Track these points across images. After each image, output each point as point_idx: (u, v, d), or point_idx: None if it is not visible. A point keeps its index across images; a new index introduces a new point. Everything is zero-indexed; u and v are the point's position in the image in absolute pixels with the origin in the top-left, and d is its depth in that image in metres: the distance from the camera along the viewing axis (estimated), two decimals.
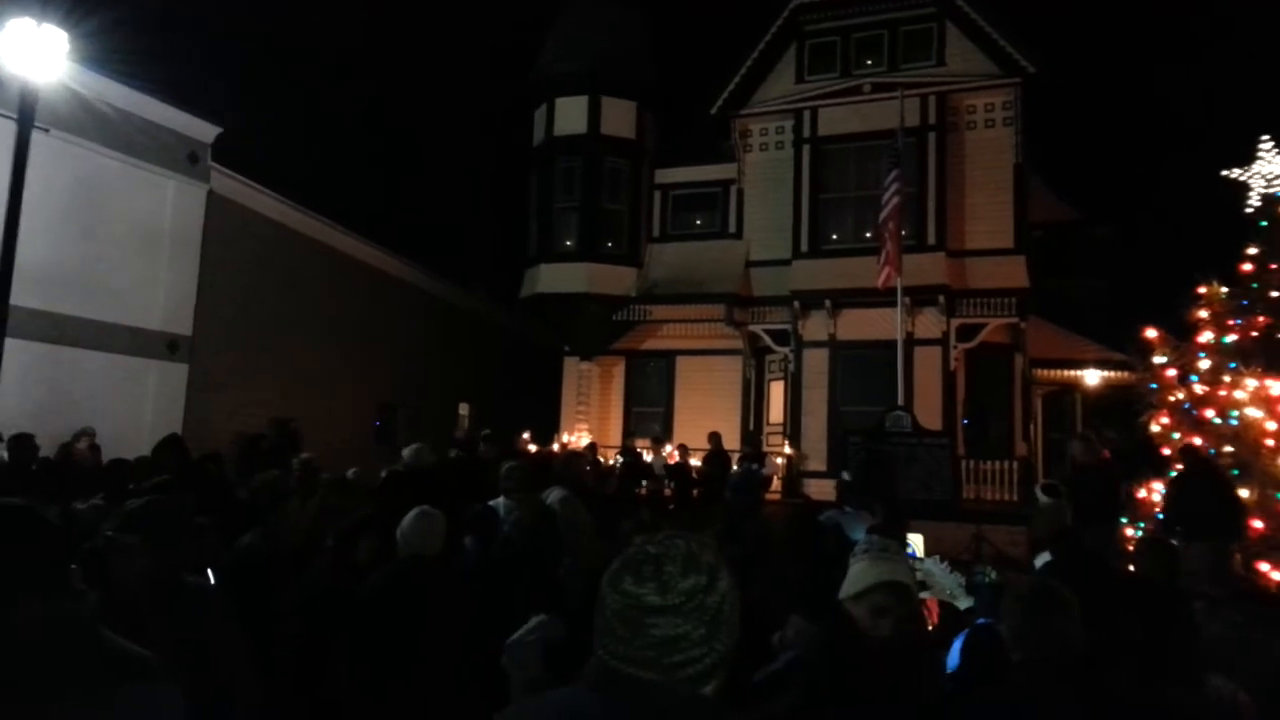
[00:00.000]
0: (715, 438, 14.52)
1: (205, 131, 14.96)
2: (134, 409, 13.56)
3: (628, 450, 15.69)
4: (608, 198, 19.39)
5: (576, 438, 18.12)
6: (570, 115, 19.46)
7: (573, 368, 19.66)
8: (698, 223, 19.85)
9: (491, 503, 7.29)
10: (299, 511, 5.52)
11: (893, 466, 9.60)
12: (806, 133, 18.15)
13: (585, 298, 18.86)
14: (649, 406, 19.51)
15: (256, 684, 3.19)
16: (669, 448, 16.01)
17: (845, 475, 11.54)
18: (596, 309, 18.98)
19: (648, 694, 1.49)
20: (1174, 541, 8.15)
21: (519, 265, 20.23)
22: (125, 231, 13.69)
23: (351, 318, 18.73)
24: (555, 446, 17.08)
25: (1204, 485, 8.38)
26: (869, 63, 18.09)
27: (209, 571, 4.00)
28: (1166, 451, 10.13)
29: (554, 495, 6.67)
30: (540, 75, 19.91)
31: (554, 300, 19.14)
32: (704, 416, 17.70)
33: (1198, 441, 9.73)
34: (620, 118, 19.50)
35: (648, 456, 15.58)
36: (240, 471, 10.26)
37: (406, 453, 8.60)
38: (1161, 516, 8.94)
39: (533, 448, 16.07)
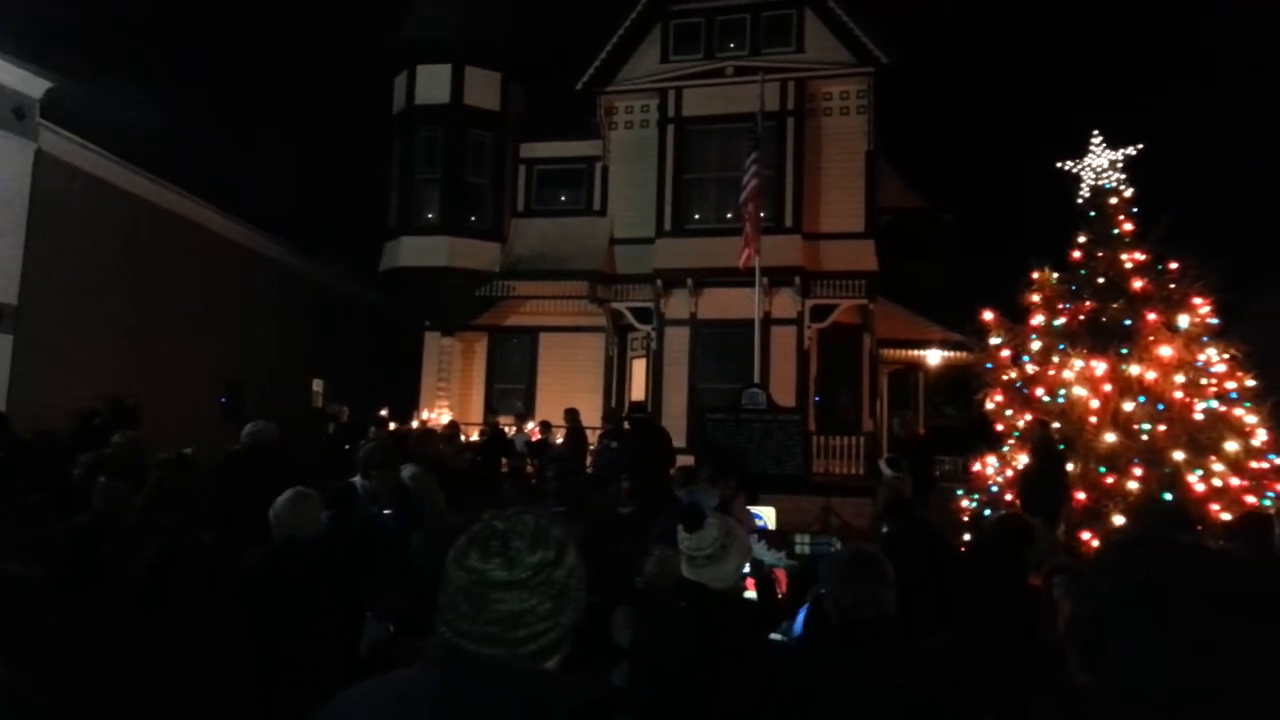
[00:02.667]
0: (571, 415, 14.44)
1: (34, 86, 13.85)
2: None
3: (490, 427, 15.55)
4: (471, 170, 19.04)
5: (437, 414, 17.83)
6: (432, 84, 18.98)
7: (434, 343, 19.31)
8: (563, 199, 19.76)
9: (352, 480, 7.14)
10: (128, 490, 5.23)
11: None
12: (671, 112, 18.31)
13: (447, 272, 18.51)
14: (512, 383, 19.38)
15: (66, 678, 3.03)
16: (531, 424, 15.94)
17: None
18: (458, 284, 18.66)
19: (488, 671, 1.49)
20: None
21: (379, 237, 19.65)
22: None
23: (197, 288, 17.80)
24: (414, 423, 16.77)
25: (1048, 468, 8.94)
26: (732, 46, 18.37)
27: (38, 555, 3.76)
28: (1000, 428, 10.79)
29: (407, 472, 6.57)
30: (402, 41, 19.31)
31: (414, 274, 18.70)
32: (567, 393, 17.68)
33: (1026, 416, 10.39)
34: (484, 88, 19.16)
35: (510, 433, 15.47)
36: (74, 450, 9.64)
37: (246, 430, 8.13)
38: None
39: (392, 425, 15.71)
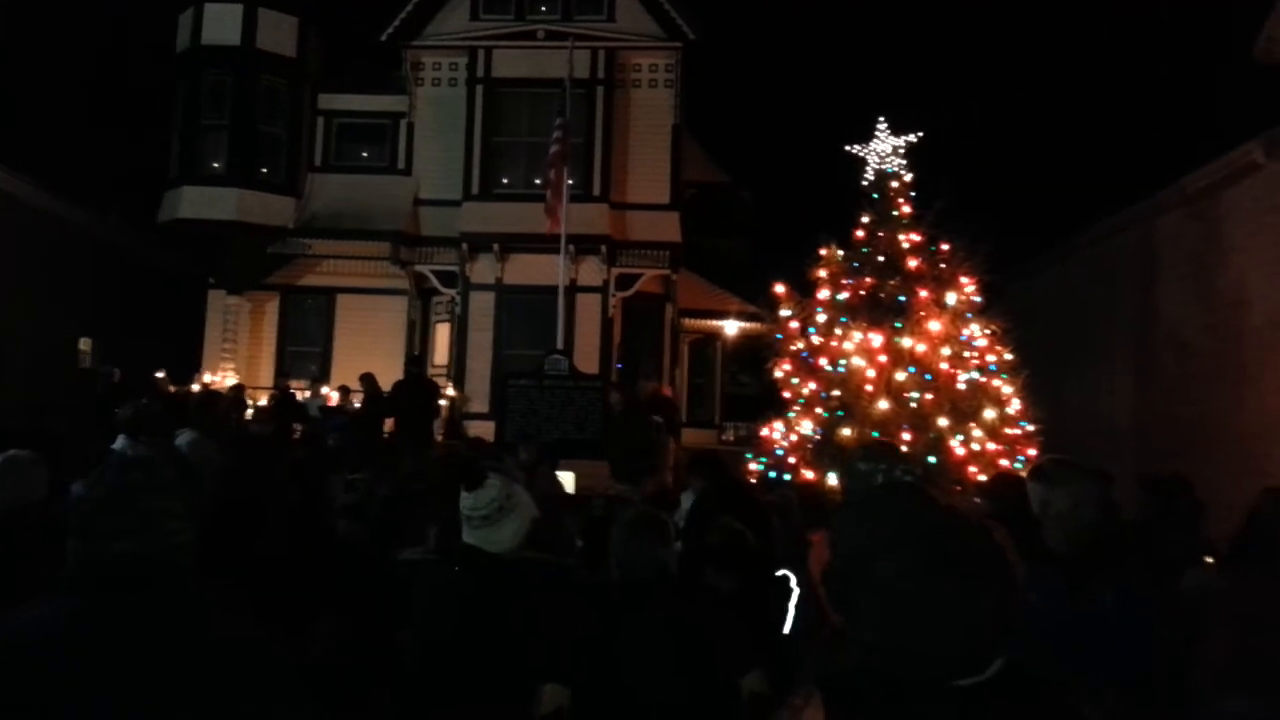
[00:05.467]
0: (368, 380, 14.03)
1: None
2: None
3: (281, 391, 14.89)
4: (263, 119, 17.94)
5: (221, 377, 16.82)
6: (221, 23, 17.69)
7: (219, 302, 18.12)
8: (364, 155, 19.00)
9: (115, 446, 6.66)
10: None
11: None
12: (480, 72, 17.94)
13: (235, 226, 17.39)
14: (306, 346, 18.57)
15: None
16: (326, 389, 15.38)
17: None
18: (248, 239, 17.59)
19: (127, 573, 1.79)
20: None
21: (158, 185, 18.21)
22: None
23: None
24: (196, 386, 15.79)
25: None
26: (543, 9, 18.18)
27: None
28: (787, 395, 11.37)
29: (184, 438, 6.18)
30: None
31: (198, 227, 17.49)
32: (366, 357, 17.07)
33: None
34: (280, 33, 18.05)
35: (304, 398, 14.90)
36: None
37: None
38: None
39: (171, 388, 14.76)
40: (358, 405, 14.36)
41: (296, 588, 3.56)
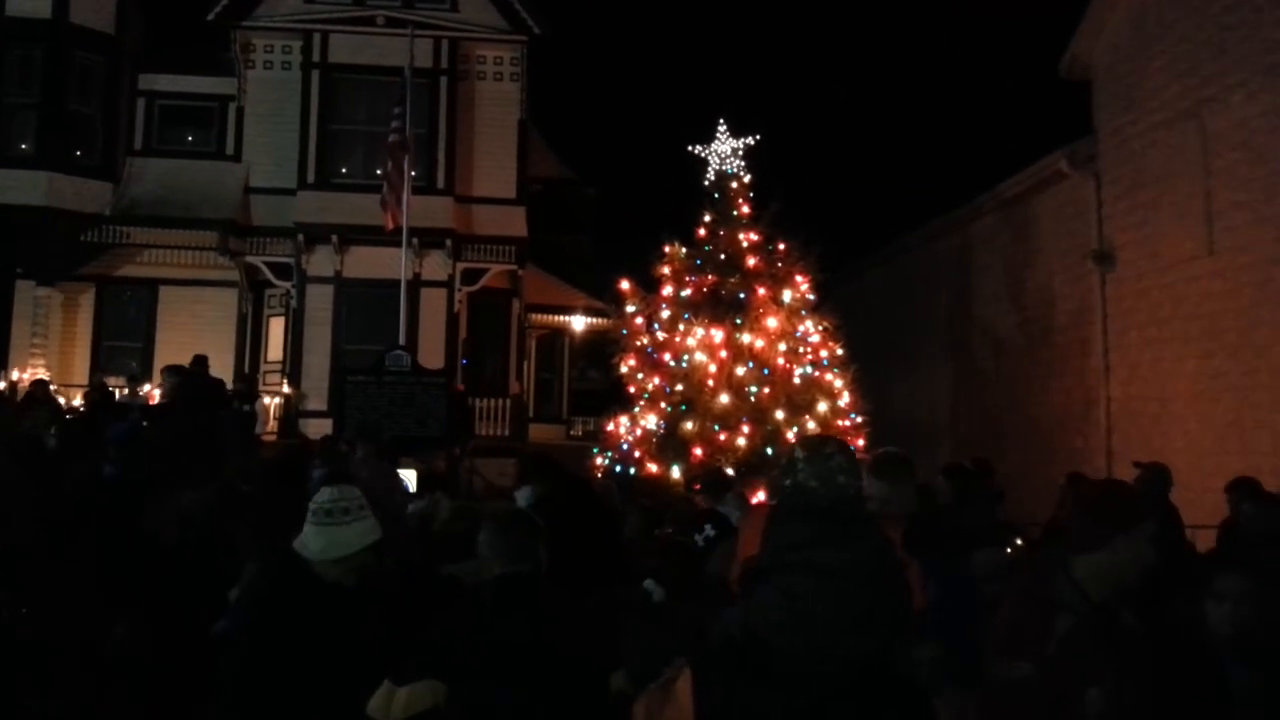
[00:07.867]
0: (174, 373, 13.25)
1: None
2: None
3: (96, 389, 13.92)
4: (77, 98, 16.69)
5: (30, 374, 15.58)
6: None
7: (27, 293, 16.74)
8: (190, 139, 17.99)
9: None
10: None
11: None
12: (316, 57, 17.31)
13: (45, 212, 16.08)
14: (126, 341, 17.43)
15: None
16: (148, 387, 14.51)
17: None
18: (59, 226, 16.31)
19: None
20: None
21: None
22: None
23: None
24: (2, 384, 14.60)
25: None
26: None
27: None
28: (632, 390, 11.54)
29: None
30: None
31: (3, 212, 16.07)
32: (192, 353, 16.20)
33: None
34: (96, 7, 16.79)
35: (122, 396, 13.98)
36: None
37: None
38: None
39: None
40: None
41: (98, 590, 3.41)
